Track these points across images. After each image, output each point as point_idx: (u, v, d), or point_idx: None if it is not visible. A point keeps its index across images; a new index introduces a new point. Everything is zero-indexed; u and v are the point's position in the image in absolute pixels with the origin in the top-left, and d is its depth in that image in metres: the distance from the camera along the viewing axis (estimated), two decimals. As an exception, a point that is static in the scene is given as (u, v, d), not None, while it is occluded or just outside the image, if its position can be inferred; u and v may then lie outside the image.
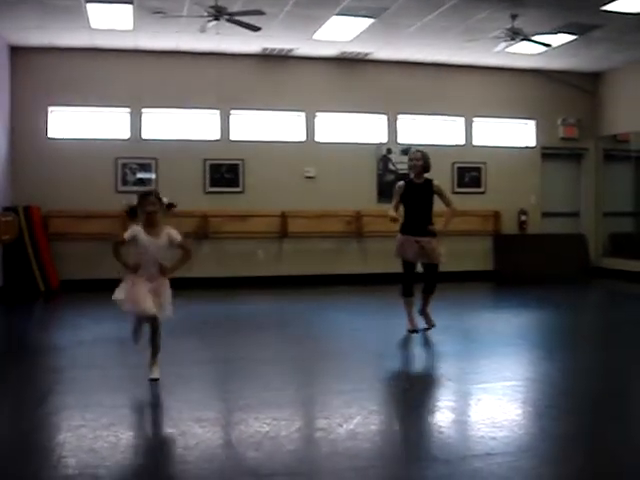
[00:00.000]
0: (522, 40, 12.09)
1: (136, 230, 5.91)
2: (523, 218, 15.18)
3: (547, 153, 15.56)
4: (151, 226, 5.95)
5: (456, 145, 14.92)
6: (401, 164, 14.14)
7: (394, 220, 8.08)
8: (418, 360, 7.43)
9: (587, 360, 7.35)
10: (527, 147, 15.47)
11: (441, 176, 14.16)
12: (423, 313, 8.35)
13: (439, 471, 4.05)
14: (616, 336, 8.78)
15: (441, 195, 8.27)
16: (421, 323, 8.30)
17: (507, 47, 12.76)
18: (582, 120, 15.67)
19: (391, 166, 14.27)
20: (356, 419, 4.93)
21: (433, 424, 5.09)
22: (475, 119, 15.05)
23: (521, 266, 14.74)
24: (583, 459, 4.30)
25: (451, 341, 7.94)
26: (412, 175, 8.35)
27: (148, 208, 5.91)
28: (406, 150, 14.09)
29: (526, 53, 13.41)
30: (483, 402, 5.59)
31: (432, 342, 7.99)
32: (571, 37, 12.43)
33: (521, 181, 15.19)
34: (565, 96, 15.56)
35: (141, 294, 5.85)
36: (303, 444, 4.61)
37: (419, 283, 8.28)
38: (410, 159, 8.41)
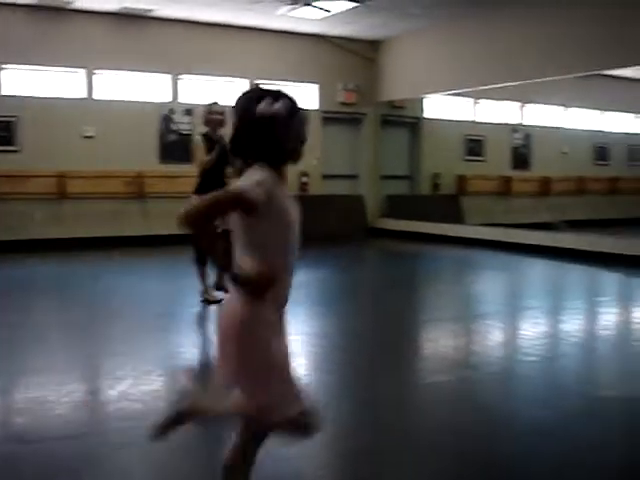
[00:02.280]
0: (304, 5, 12.29)
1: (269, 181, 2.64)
2: (304, 180, 15.53)
3: (328, 117, 15.97)
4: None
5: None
6: (184, 124, 14.04)
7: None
8: (196, 321, 7.45)
9: (359, 315, 7.70)
10: (309, 110, 15.79)
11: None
12: (221, 287, 7.74)
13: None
14: (389, 293, 9.25)
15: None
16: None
17: (290, 11, 12.94)
18: (361, 86, 16.20)
19: (173, 126, 14.08)
20: (128, 381, 4.91)
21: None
22: (259, 81, 15.13)
23: (304, 226, 15.06)
24: (347, 406, 4.54)
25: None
26: (209, 129, 7.88)
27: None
28: (189, 110, 14.04)
29: (309, 18, 13.65)
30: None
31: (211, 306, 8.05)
32: (352, 4, 12.75)
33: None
34: (346, 62, 16.00)
35: None
36: (73, 408, 4.53)
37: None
38: (210, 112, 7.91)
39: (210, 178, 7.53)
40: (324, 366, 5.66)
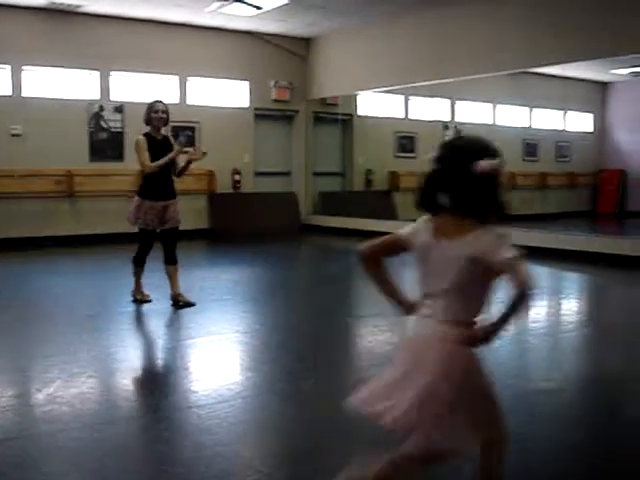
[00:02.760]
0: (235, 1, 12.24)
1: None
2: (237, 177, 15.50)
3: (260, 114, 15.95)
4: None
5: (170, 104, 14.79)
6: (114, 122, 13.86)
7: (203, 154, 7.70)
8: (127, 321, 7.36)
9: (289, 313, 7.71)
10: (241, 108, 15.74)
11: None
12: (177, 298, 7.61)
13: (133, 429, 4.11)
14: (321, 289, 9.30)
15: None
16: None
17: (220, 7, 12.88)
18: (294, 83, 16.22)
19: (103, 124, 13.88)
20: (56, 383, 4.84)
21: (133, 383, 5.13)
22: (189, 78, 15.05)
23: (236, 224, 15.07)
24: (279, 407, 4.55)
25: (162, 300, 7.95)
26: (151, 129, 7.53)
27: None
28: (120, 108, 13.87)
29: (240, 15, 13.60)
30: (188, 357, 5.74)
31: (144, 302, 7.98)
32: (283, 1, 12.75)
33: (235, 141, 15.47)
34: (278, 59, 16.00)
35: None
36: (-1, 411, 4.46)
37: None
38: (155, 110, 7.48)
39: (154, 180, 7.41)
40: (254, 364, 5.67)
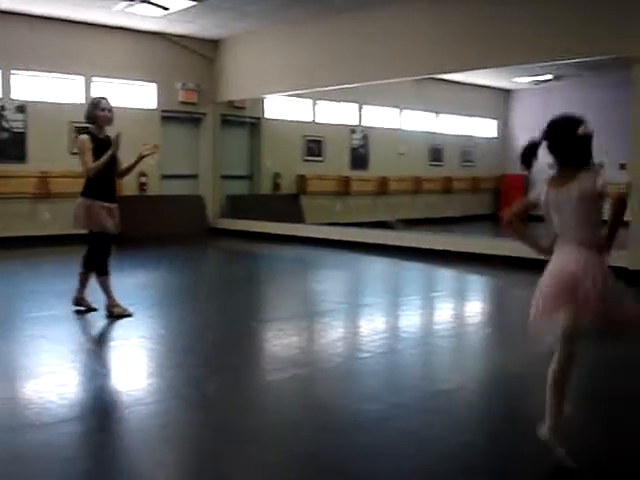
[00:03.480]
0: (142, 2, 12.10)
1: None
2: (143, 180, 15.28)
3: (167, 116, 15.79)
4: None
5: (75, 104, 14.48)
6: (15, 122, 13.48)
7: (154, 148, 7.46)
8: (29, 328, 7.13)
9: (194, 317, 7.65)
10: (148, 109, 15.55)
11: (65, 139, 13.86)
12: (83, 299, 7.37)
13: (37, 436, 4.02)
14: (227, 293, 9.26)
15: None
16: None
17: (127, 7, 12.71)
18: (201, 85, 16.12)
19: (5, 124, 13.47)
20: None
21: (30, 391, 5.01)
22: (95, 79, 14.79)
23: (143, 227, 14.85)
24: (183, 412, 4.52)
25: (66, 305, 7.77)
26: (94, 127, 7.12)
27: None
28: (22, 107, 13.52)
29: (147, 15, 13.44)
30: (91, 363, 5.64)
31: (46, 307, 7.78)
32: (190, 3, 12.65)
33: (141, 143, 15.19)
34: (185, 61, 15.88)
35: None
36: None
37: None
38: (102, 108, 7.07)
39: (101, 180, 7.05)
40: (158, 370, 5.61)
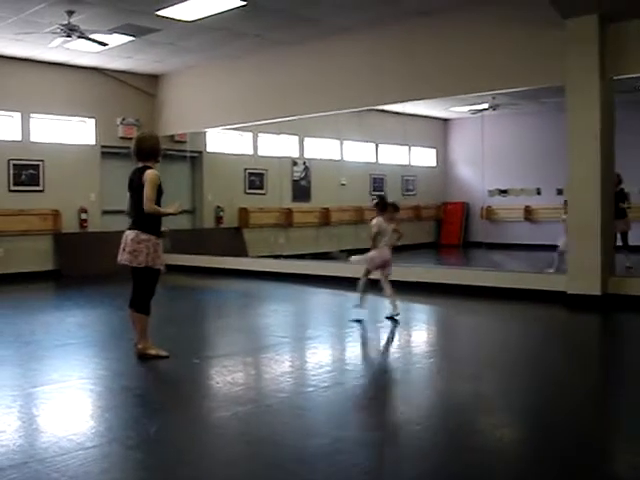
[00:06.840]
0: (79, 38, 12.02)
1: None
2: (84, 216, 15.14)
3: (106, 152, 15.67)
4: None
5: (12, 141, 14.36)
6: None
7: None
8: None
9: (135, 356, 7.52)
10: (87, 145, 15.43)
11: (5, 177, 13.70)
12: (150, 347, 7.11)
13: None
14: (167, 330, 9.12)
15: None
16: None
17: (64, 43, 12.61)
18: (141, 120, 16.07)
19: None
20: None
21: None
22: (33, 115, 14.64)
23: (84, 264, 14.70)
24: (123, 455, 4.45)
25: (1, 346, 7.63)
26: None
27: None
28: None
29: (85, 51, 13.39)
30: (28, 407, 5.52)
31: None
32: (128, 38, 12.65)
33: (81, 179, 15.15)
34: (125, 96, 15.83)
35: None
36: None
37: None
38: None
39: (155, 217, 7.03)
40: (98, 412, 5.52)
